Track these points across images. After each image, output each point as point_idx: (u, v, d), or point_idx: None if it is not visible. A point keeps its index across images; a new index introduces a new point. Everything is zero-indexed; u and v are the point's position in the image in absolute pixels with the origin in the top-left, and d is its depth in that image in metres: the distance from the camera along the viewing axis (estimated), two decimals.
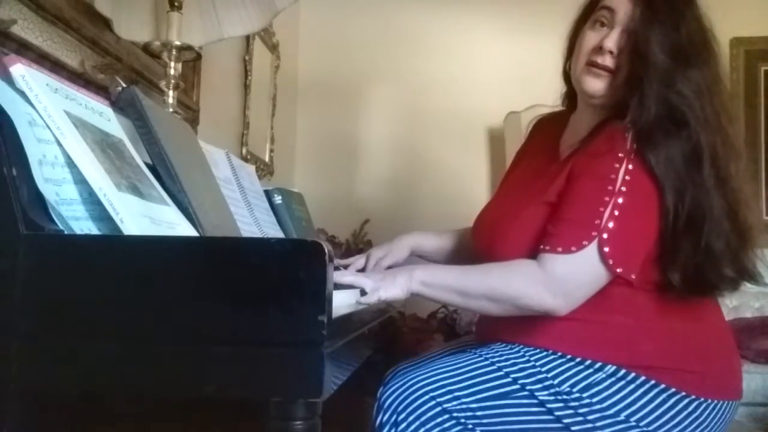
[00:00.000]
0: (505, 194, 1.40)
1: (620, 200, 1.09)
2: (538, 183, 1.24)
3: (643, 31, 1.14)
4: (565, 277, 1.09)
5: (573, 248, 1.09)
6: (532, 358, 1.15)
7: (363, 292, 1.10)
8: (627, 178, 1.10)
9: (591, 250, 1.08)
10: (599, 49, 1.18)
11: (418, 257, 1.53)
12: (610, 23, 1.18)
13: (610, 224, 1.08)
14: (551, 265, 1.09)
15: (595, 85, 1.19)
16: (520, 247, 1.17)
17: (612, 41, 1.17)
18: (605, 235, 1.08)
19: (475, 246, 1.36)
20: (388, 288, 1.10)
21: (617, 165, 1.11)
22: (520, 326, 1.18)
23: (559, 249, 1.09)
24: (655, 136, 1.10)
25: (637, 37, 1.14)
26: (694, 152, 1.10)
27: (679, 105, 1.11)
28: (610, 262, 1.08)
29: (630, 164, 1.10)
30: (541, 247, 1.12)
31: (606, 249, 1.08)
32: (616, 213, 1.09)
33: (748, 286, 3.52)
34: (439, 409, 1.12)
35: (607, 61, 1.17)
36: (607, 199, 1.09)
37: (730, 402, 1.17)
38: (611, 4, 1.18)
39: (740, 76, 3.33)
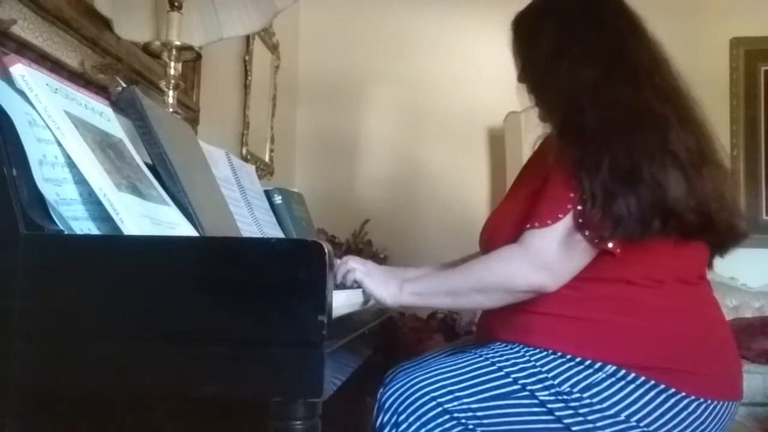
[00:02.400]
0: (504, 199, 1.42)
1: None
2: (534, 175, 1.28)
3: (515, 56, 1.34)
4: (545, 250, 1.12)
5: (549, 221, 1.12)
6: (532, 358, 1.15)
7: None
8: None
9: (566, 222, 1.11)
10: None
11: None
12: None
13: (584, 197, 1.10)
14: (531, 241, 1.13)
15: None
16: (512, 237, 1.19)
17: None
18: (580, 207, 1.10)
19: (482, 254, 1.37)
20: (377, 283, 1.18)
21: None
22: (520, 326, 1.18)
23: (536, 224, 1.13)
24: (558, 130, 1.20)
25: (516, 62, 1.35)
26: (570, 128, 1.17)
27: (553, 100, 1.23)
28: (586, 233, 1.10)
29: None
30: (523, 227, 1.15)
31: (581, 220, 1.10)
32: (588, 185, 1.10)
33: (748, 286, 3.50)
34: (439, 409, 1.12)
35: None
36: (582, 174, 1.11)
37: (730, 403, 1.17)
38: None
39: (740, 76, 3.33)
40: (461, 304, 1.21)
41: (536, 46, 1.29)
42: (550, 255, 1.11)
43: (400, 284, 1.19)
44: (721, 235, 1.20)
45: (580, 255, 1.13)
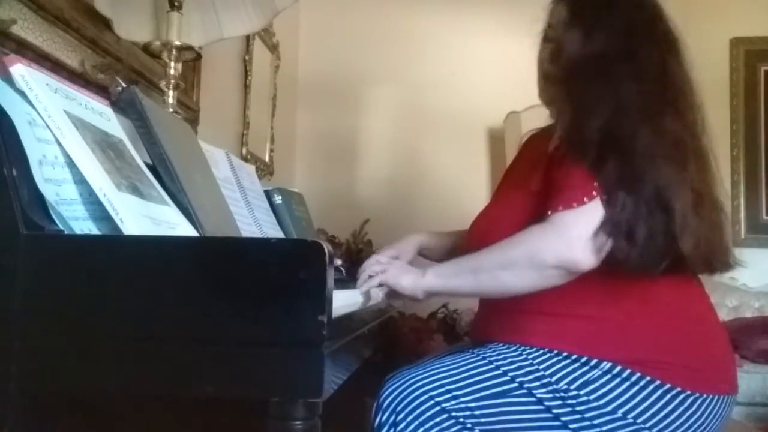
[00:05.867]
0: (494, 200, 1.42)
1: None
2: (526, 176, 1.27)
3: (562, 38, 1.26)
4: (576, 223, 1.08)
5: (574, 204, 1.09)
6: (529, 357, 1.15)
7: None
8: None
9: (594, 204, 1.08)
10: (541, 63, 1.34)
11: (423, 257, 1.60)
12: (550, 37, 1.32)
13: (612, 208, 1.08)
14: (558, 219, 1.10)
15: (541, 95, 1.35)
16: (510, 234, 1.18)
17: (546, 52, 1.32)
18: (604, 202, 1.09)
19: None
20: (396, 276, 1.20)
21: None
22: (517, 326, 1.19)
23: (560, 207, 1.10)
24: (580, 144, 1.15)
25: (558, 43, 1.27)
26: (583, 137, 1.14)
27: (588, 103, 1.16)
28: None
29: None
30: (545, 214, 1.12)
31: (605, 197, 1.08)
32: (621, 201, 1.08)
33: (748, 286, 3.51)
34: (437, 408, 1.12)
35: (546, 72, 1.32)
36: (620, 191, 1.09)
37: (726, 396, 1.17)
38: (550, 20, 1.33)
39: (740, 76, 3.34)
40: (484, 283, 1.15)
41: (592, 41, 1.20)
42: (581, 228, 1.08)
43: (424, 270, 1.19)
44: (709, 269, 1.21)
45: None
